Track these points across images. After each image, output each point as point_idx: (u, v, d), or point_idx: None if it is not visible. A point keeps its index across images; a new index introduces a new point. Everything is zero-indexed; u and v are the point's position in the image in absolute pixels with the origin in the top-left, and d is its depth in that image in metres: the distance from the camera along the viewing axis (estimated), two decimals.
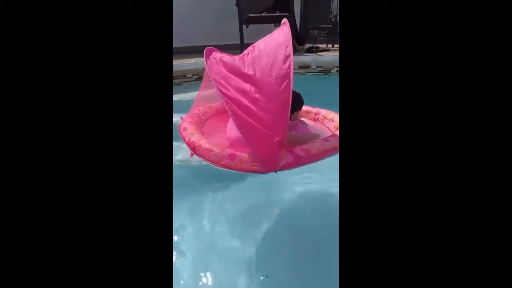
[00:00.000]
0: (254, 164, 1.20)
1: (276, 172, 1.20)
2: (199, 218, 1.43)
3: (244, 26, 4.03)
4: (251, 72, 1.31)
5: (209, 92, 1.71)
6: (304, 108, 1.80)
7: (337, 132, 1.52)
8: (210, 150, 1.26)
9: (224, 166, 1.23)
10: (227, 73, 1.34)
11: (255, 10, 4.00)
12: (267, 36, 1.53)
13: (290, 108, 1.25)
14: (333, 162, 1.21)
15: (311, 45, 4.39)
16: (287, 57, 1.27)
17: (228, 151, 1.25)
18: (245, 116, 1.19)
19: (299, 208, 1.54)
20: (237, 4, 4.03)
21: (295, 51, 4.29)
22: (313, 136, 1.46)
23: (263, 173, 1.20)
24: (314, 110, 1.84)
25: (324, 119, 1.75)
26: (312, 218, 1.47)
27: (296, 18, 4.45)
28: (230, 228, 1.39)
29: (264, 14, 4.10)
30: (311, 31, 5.57)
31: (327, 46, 4.92)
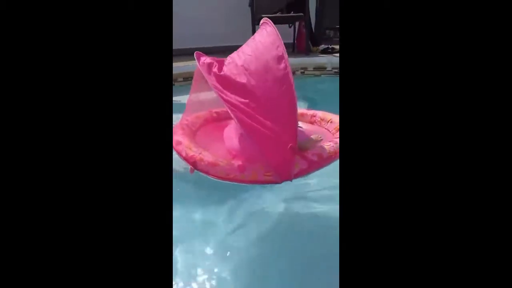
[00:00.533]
0: (267, 174, 1.11)
1: (291, 180, 1.11)
2: (202, 231, 1.35)
3: (257, 27, 3.94)
4: (244, 81, 1.20)
5: (202, 96, 1.60)
6: (299, 111, 1.72)
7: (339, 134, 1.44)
8: (215, 164, 1.16)
9: (234, 179, 1.13)
10: (218, 85, 1.23)
11: (268, 10, 3.90)
12: (249, 40, 1.41)
13: (297, 110, 1.16)
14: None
15: (327, 46, 4.26)
16: (280, 57, 1.16)
17: (236, 163, 1.16)
18: (253, 123, 1.10)
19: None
20: (250, 5, 3.95)
21: (310, 52, 4.18)
22: (313, 140, 1.37)
23: (278, 183, 1.12)
24: (310, 112, 1.73)
25: (322, 121, 1.65)
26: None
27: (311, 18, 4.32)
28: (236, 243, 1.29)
29: (278, 14, 4.00)
30: (327, 31, 5.44)
31: None
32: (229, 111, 1.10)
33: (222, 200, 1.49)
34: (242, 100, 1.15)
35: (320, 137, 1.40)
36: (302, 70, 3.88)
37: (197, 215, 1.45)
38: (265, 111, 1.13)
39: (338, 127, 1.51)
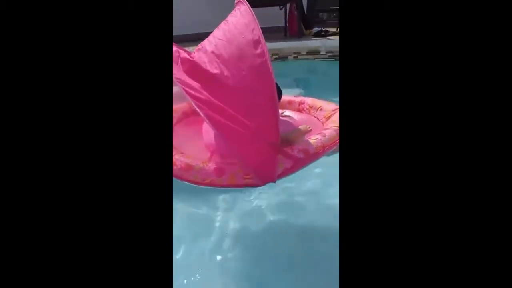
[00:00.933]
0: (247, 176, 0.99)
1: (275, 181, 0.99)
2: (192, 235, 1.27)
3: None
4: (216, 71, 1.03)
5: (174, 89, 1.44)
6: (286, 98, 1.55)
7: (329, 123, 1.30)
8: (188, 168, 1.02)
9: (210, 184, 1.00)
10: (187, 76, 1.06)
11: None
12: (221, 23, 1.23)
13: (277, 103, 1.00)
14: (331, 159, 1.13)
15: (320, 28, 4.07)
16: (256, 42, 1.00)
17: (213, 165, 1.02)
18: (226, 121, 0.94)
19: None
20: None
21: (303, 35, 3.99)
22: (300, 131, 1.23)
23: (259, 185, 0.99)
24: (298, 99, 1.59)
25: (311, 109, 1.51)
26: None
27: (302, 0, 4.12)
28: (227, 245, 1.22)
29: None
30: (320, 13, 5.24)
31: (337, 29, 4.61)
32: (197, 109, 0.95)
33: (212, 199, 1.42)
34: (214, 93, 1.00)
35: (309, 127, 1.27)
36: (295, 55, 3.72)
37: (189, 215, 1.37)
38: (240, 105, 0.99)
39: (328, 115, 1.39)
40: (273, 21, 4.53)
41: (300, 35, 3.93)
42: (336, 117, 1.31)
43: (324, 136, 1.12)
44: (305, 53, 3.68)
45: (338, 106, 1.41)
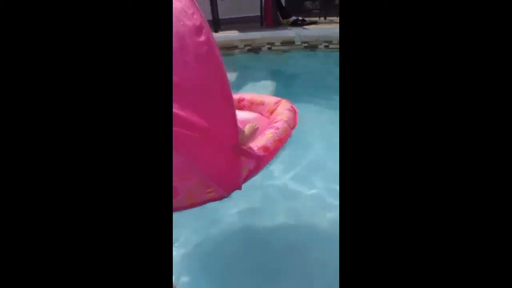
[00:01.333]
0: (209, 190, 0.89)
1: (241, 188, 0.90)
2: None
3: None
4: None
5: None
6: None
7: (276, 116, 1.28)
8: None
9: None
10: None
11: None
12: None
13: (232, 97, 0.89)
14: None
15: (296, 18, 3.96)
16: (198, 28, 0.87)
17: None
18: (175, 128, 0.80)
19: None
20: None
21: (279, 25, 3.88)
22: (249, 131, 1.16)
23: (225, 197, 0.90)
24: (236, 97, 1.52)
25: (252, 105, 1.47)
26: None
27: None
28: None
29: None
30: (305, 2, 5.09)
31: (319, 18, 4.48)
32: None
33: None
34: None
35: (255, 125, 1.19)
36: (269, 46, 3.62)
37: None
38: (190, 104, 0.85)
39: (271, 109, 1.35)
40: (249, 10, 4.42)
41: (276, 25, 3.83)
42: (280, 109, 1.29)
43: (278, 129, 1.09)
44: (279, 44, 3.59)
45: (280, 99, 1.38)
